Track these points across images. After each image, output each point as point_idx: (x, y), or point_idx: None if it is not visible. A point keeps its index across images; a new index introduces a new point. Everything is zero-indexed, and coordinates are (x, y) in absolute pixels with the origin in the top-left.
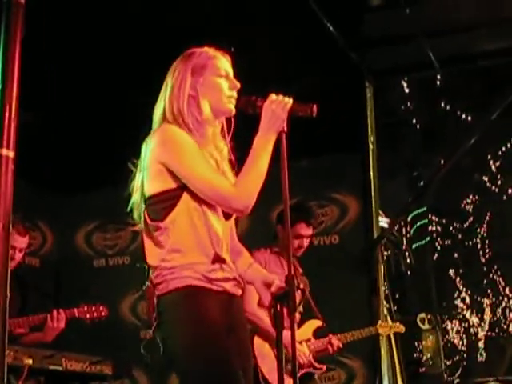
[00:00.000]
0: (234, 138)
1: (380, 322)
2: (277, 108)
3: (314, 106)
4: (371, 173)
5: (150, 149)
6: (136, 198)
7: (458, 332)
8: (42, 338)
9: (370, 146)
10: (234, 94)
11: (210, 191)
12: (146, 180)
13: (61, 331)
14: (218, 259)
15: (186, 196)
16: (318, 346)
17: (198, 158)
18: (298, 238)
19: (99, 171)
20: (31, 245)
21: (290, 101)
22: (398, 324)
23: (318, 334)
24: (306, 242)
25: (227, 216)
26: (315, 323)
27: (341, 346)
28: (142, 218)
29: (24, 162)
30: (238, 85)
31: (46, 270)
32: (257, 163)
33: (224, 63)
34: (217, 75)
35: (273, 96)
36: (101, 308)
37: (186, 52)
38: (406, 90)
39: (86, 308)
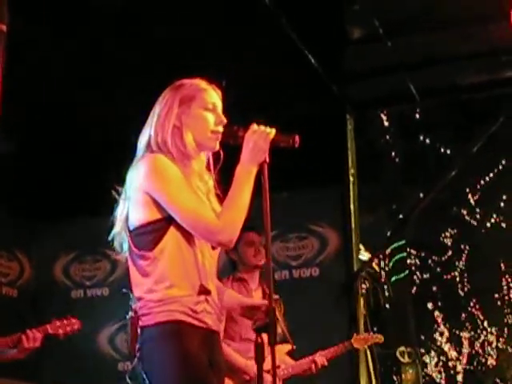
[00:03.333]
0: (220, 171)
1: (355, 335)
2: (259, 139)
3: (296, 137)
4: (351, 205)
5: (135, 178)
6: (119, 227)
7: (436, 365)
8: (16, 355)
9: (351, 179)
10: (220, 129)
11: (194, 223)
12: (132, 210)
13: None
14: (203, 291)
15: (174, 226)
16: (299, 368)
17: (184, 189)
18: (252, 246)
19: (79, 199)
20: (8, 275)
21: (271, 131)
22: (375, 335)
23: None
24: (262, 249)
25: (214, 248)
26: (285, 347)
27: (326, 363)
28: (127, 247)
29: (2, 190)
30: (225, 120)
31: (24, 301)
32: (239, 196)
33: (213, 97)
34: (204, 108)
35: (254, 126)
36: (73, 321)
37: (177, 82)
38: (386, 123)
39: (57, 323)
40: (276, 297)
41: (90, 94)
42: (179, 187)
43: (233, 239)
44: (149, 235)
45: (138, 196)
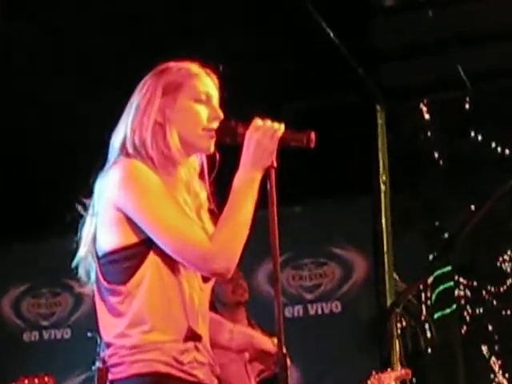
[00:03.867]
0: (216, 179)
1: (373, 373)
2: (263, 137)
3: (312, 134)
4: (383, 221)
5: (104, 189)
6: (85, 251)
7: None
8: None
9: (382, 188)
10: (215, 125)
11: (179, 247)
12: (100, 229)
13: None
14: (192, 336)
15: (154, 252)
16: None
17: (166, 203)
18: (230, 281)
19: (31, 217)
20: None
21: (280, 128)
22: (401, 370)
23: None
24: (241, 281)
25: (206, 278)
26: None
27: None
28: (94, 278)
29: None
30: (221, 115)
31: None
32: (239, 210)
33: (207, 85)
34: (194, 99)
35: (258, 122)
36: (46, 379)
37: (160, 66)
38: (426, 116)
39: (26, 382)
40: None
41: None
42: (160, 201)
43: (230, 267)
44: (121, 264)
45: (108, 212)
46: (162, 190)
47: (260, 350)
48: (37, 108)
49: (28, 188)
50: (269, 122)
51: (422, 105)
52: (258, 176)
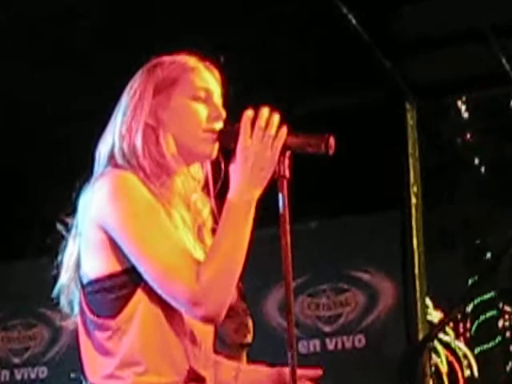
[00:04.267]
0: (222, 192)
1: None
2: (261, 149)
3: (331, 139)
4: (414, 240)
5: (89, 206)
6: (68, 278)
7: None
8: None
9: (413, 200)
10: (217, 126)
11: (163, 285)
12: (85, 253)
13: None
14: (195, 378)
15: (146, 283)
16: None
17: (156, 228)
18: (232, 317)
19: (4, 236)
20: None
21: (283, 133)
22: None
23: None
24: (246, 320)
25: None
26: None
27: None
28: (78, 310)
29: None
30: (223, 114)
31: None
32: (232, 240)
33: (206, 80)
34: (192, 97)
35: (248, 124)
36: None
37: (152, 62)
38: (465, 116)
39: None
40: None
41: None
42: (149, 225)
43: (220, 312)
44: (109, 294)
45: (93, 233)
46: (152, 211)
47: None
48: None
49: (11, 204)
50: (272, 124)
51: (459, 102)
52: (256, 195)
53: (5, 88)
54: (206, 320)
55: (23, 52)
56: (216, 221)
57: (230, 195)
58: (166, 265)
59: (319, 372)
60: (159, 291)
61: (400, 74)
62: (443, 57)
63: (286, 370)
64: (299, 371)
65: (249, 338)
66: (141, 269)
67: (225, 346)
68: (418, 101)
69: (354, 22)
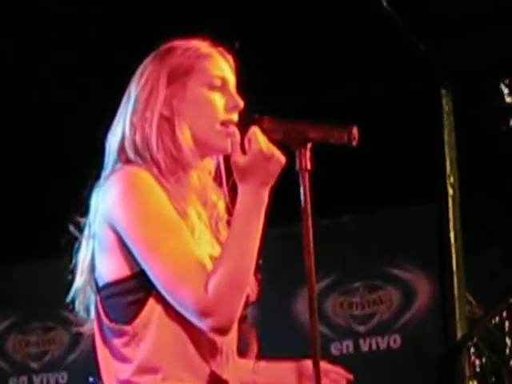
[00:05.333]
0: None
1: None
2: (268, 164)
3: (355, 130)
4: (451, 235)
5: (101, 205)
6: (83, 281)
7: None
8: None
9: (450, 192)
10: (234, 117)
11: (171, 293)
12: (99, 255)
13: None
14: (216, 382)
15: None
16: None
17: (168, 232)
18: None
19: (17, 236)
20: None
21: (283, 159)
22: None
23: None
24: (254, 343)
25: None
26: None
27: None
28: (94, 315)
29: None
30: (241, 103)
31: None
32: (241, 245)
33: (221, 67)
34: (208, 86)
35: (258, 146)
36: None
37: (163, 47)
38: (508, 100)
39: None
40: None
41: None
42: (160, 229)
43: (230, 321)
44: (125, 298)
45: (106, 234)
46: (165, 214)
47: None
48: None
49: (17, 201)
50: (271, 151)
51: (502, 86)
52: (266, 196)
53: None
54: (215, 330)
55: None
56: (230, 213)
57: (244, 193)
58: (175, 272)
59: (350, 376)
60: (168, 298)
61: (436, 58)
62: (482, 40)
63: (309, 362)
64: (328, 366)
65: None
66: (150, 274)
67: None
68: (454, 86)
69: (385, 4)
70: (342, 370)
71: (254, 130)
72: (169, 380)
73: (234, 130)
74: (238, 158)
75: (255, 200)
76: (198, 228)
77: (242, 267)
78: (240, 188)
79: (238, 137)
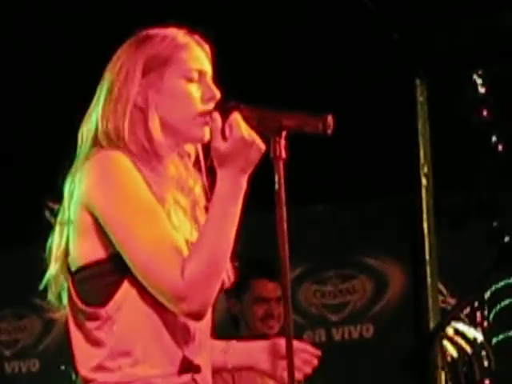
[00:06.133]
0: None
1: None
2: (250, 151)
3: (329, 118)
4: (425, 224)
5: (76, 189)
6: (57, 267)
7: None
8: None
9: (423, 182)
10: (210, 107)
11: (146, 277)
12: (73, 239)
13: None
14: (188, 367)
15: None
16: None
17: (144, 217)
18: (263, 303)
19: None
20: None
21: (262, 146)
22: None
23: None
24: (277, 309)
25: None
26: None
27: None
28: (67, 300)
29: None
30: (218, 94)
31: None
32: (217, 231)
33: (198, 57)
34: (185, 78)
35: (241, 132)
36: None
37: (139, 35)
38: (481, 91)
39: None
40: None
41: None
42: (137, 213)
43: (204, 308)
44: (98, 281)
45: (81, 217)
46: (142, 198)
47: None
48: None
49: None
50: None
51: (475, 77)
52: (245, 183)
53: None
54: (190, 316)
55: None
56: (208, 198)
57: (222, 180)
58: (150, 256)
59: (317, 352)
60: (143, 282)
61: (410, 47)
62: (457, 28)
63: (282, 341)
64: (300, 344)
65: (275, 330)
66: (125, 258)
67: (249, 330)
68: (428, 76)
69: None
70: (309, 345)
71: (236, 117)
72: (140, 364)
73: (215, 115)
74: (219, 144)
75: (234, 186)
76: (174, 213)
77: (218, 253)
78: (219, 174)
79: (220, 123)
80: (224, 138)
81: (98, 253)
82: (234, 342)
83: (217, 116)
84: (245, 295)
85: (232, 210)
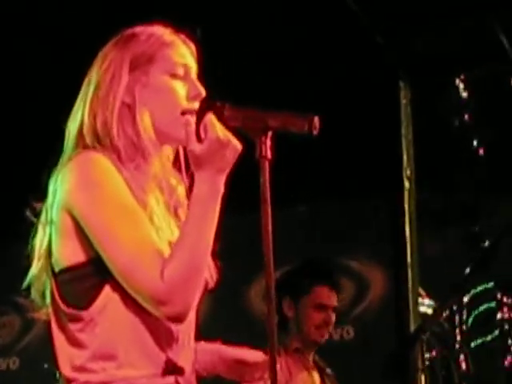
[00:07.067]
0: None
1: None
2: (225, 152)
3: (315, 119)
4: (407, 227)
5: (59, 189)
6: (39, 267)
7: None
8: None
9: (406, 184)
10: (196, 105)
11: (126, 280)
12: (56, 240)
13: None
14: (172, 369)
15: None
16: None
17: (125, 218)
18: (321, 311)
19: None
20: None
21: (239, 147)
22: None
23: None
24: (333, 316)
25: None
26: None
27: None
28: (50, 300)
29: None
30: (203, 92)
31: None
32: (197, 232)
33: (184, 55)
34: (170, 74)
35: (216, 133)
36: None
37: (125, 33)
38: (464, 95)
39: None
40: (329, 371)
41: None
42: (117, 216)
43: (184, 310)
44: (80, 284)
45: (63, 219)
46: (123, 201)
47: (233, 361)
48: None
49: None
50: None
51: (457, 81)
52: (223, 184)
53: None
54: (171, 319)
55: None
56: (189, 198)
57: (200, 181)
58: (130, 259)
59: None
60: (124, 285)
61: (394, 50)
62: (441, 33)
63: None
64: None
65: (324, 338)
66: (106, 261)
67: (300, 335)
68: (412, 79)
69: None
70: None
71: (210, 118)
72: (124, 367)
73: (188, 118)
74: (194, 147)
75: (211, 188)
76: (157, 215)
77: (197, 255)
78: (196, 176)
79: (193, 126)
80: (199, 140)
81: (80, 255)
82: (201, 343)
83: (189, 119)
84: (303, 299)
85: (210, 211)
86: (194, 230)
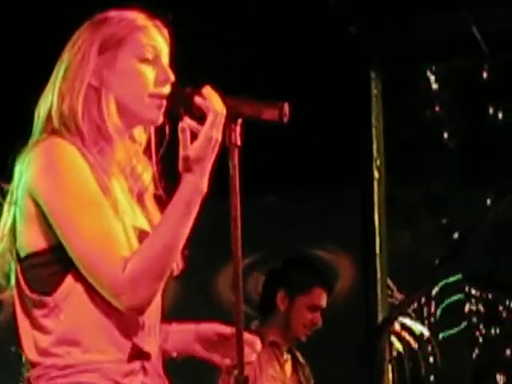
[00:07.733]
0: (167, 158)
1: None
2: (217, 131)
3: (285, 106)
4: (375, 217)
5: (24, 174)
6: (3, 247)
7: None
8: None
9: (375, 175)
10: (164, 90)
11: (87, 269)
12: (21, 224)
13: None
14: (138, 354)
15: None
16: None
17: (88, 206)
18: (313, 312)
19: None
20: None
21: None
22: None
23: None
24: (320, 318)
25: None
26: None
27: None
28: (15, 284)
29: None
30: (172, 77)
31: None
32: (169, 236)
33: (155, 39)
34: (139, 59)
35: (217, 107)
36: None
37: (98, 16)
38: (434, 87)
39: None
40: (303, 361)
41: None
42: (79, 204)
43: (142, 306)
44: (46, 269)
45: (27, 204)
46: (86, 189)
47: (213, 335)
48: None
49: None
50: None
51: (428, 73)
52: (206, 187)
53: None
54: (129, 310)
55: None
56: (157, 186)
57: (185, 181)
58: (91, 250)
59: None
60: (84, 274)
61: (366, 41)
62: (413, 24)
63: (207, 327)
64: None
65: (304, 337)
66: (67, 249)
67: (283, 329)
68: (383, 70)
69: None
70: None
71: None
72: (90, 352)
73: (185, 125)
74: (188, 152)
75: (196, 191)
76: (121, 201)
77: (165, 256)
78: (184, 177)
79: (188, 133)
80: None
81: (42, 242)
82: (172, 326)
83: (186, 126)
84: (299, 297)
85: (191, 214)
86: (168, 231)
